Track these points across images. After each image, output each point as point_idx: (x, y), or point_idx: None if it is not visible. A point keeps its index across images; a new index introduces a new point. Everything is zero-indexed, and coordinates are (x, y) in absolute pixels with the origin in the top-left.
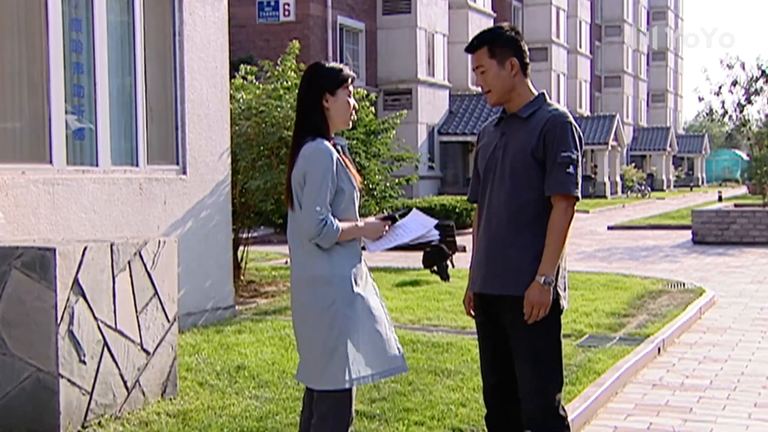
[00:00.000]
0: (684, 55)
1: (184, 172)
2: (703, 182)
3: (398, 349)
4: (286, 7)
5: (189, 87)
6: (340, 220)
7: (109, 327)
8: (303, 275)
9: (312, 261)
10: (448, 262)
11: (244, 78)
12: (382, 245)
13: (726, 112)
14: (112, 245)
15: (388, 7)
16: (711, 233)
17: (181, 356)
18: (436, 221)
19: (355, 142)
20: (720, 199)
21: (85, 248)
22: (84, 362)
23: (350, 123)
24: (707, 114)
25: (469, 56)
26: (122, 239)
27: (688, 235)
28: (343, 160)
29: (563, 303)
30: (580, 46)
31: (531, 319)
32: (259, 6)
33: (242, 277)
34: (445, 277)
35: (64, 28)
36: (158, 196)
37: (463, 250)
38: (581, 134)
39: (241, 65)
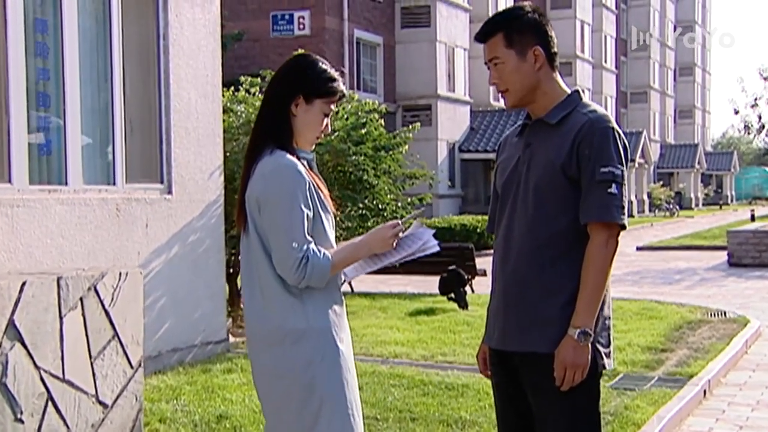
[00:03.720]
0: (712, 70)
1: (170, 192)
2: (732, 200)
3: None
4: (301, 20)
5: (175, 97)
6: None
7: (55, 377)
8: (264, 329)
9: (276, 309)
10: (467, 288)
11: (247, 91)
12: (366, 266)
13: (763, 126)
14: (59, 279)
15: (407, 21)
16: (748, 255)
17: (158, 402)
18: (433, 230)
19: (362, 158)
20: (753, 218)
21: (24, 283)
22: (21, 420)
23: (313, 145)
24: (744, 128)
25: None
26: (74, 271)
27: (722, 256)
28: (312, 178)
29: (605, 362)
30: (605, 61)
31: (564, 384)
32: (273, 20)
33: (241, 306)
34: (463, 304)
35: (26, 29)
36: (139, 218)
37: (483, 274)
38: (627, 143)
39: (242, 77)
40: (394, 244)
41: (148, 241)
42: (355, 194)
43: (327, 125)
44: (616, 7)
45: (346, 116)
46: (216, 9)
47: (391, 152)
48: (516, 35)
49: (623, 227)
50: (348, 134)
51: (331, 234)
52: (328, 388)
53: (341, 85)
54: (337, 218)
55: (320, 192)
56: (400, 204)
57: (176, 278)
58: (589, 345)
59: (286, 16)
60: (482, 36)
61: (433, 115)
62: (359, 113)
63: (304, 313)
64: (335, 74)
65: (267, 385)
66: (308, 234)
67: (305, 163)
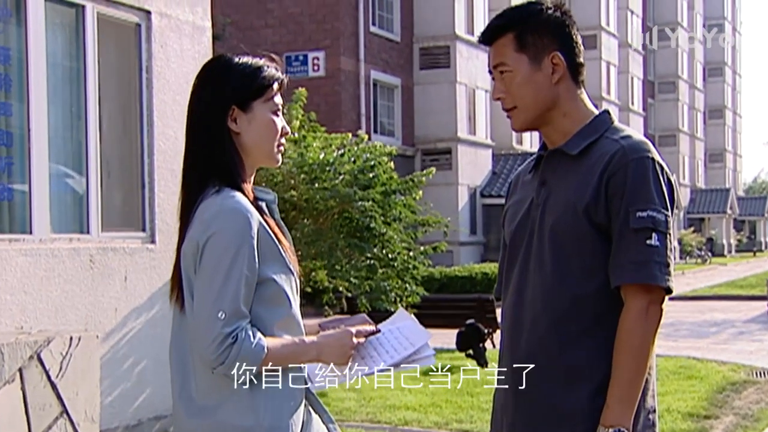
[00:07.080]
0: (742, 112)
1: (153, 241)
2: (766, 247)
3: None
4: (316, 61)
5: (160, 135)
6: (266, 332)
7: None
8: (199, 427)
9: (217, 402)
10: (487, 344)
11: None
12: (334, 379)
13: None
14: None
15: (426, 62)
16: None
17: None
18: (430, 335)
19: (370, 203)
20: None
21: None
22: None
23: (279, 158)
24: None
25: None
26: (12, 337)
27: (761, 307)
28: (271, 227)
29: None
30: (632, 104)
31: None
32: (286, 60)
33: None
34: (482, 362)
35: None
36: (116, 270)
37: None
38: (672, 180)
39: None
40: (354, 354)
41: (127, 296)
42: (362, 243)
43: (282, 126)
44: (643, 48)
45: (352, 159)
46: (207, 40)
47: (403, 197)
48: (530, 36)
49: (668, 291)
50: (355, 178)
51: (295, 302)
52: None
53: (273, 70)
54: (343, 269)
55: (280, 246)
56: (412, 253)
57: (159, 338)
58: None
59: (300, 57)
60: (488, 35)
61: (453, 158)
62: (367, 155)
63: (252, 407)
64: (260, 62)
65: None
66: (245, 305)
67: (264, 205)
